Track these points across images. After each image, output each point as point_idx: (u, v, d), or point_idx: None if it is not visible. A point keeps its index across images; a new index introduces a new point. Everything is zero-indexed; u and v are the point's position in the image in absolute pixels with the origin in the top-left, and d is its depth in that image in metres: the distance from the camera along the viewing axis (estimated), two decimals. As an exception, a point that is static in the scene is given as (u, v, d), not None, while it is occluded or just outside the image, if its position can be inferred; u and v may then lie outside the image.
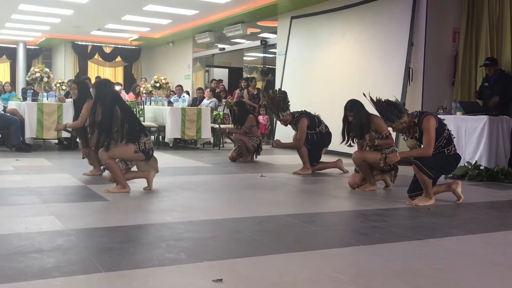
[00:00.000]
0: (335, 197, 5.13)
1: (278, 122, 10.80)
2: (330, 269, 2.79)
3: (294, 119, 6.76)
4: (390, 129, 5.11)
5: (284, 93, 6.81)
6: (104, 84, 5.09)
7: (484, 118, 6.77)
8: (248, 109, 8.27)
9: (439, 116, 4.79)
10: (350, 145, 5.63)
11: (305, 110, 6.87)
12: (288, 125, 6.94)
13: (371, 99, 4.70)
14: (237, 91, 12.68)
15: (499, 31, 7.63)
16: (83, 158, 6.18)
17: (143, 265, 2.74)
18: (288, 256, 3.01)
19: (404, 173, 6.96)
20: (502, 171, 6.39)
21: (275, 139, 7.66)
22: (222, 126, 9.20)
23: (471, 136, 6.88)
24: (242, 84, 12.34)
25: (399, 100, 4.91)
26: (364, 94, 4.85)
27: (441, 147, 4.61)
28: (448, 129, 4.69)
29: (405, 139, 4.82)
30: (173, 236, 3.35)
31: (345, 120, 5.57)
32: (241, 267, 2.79)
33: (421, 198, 4.73)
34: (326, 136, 6.84)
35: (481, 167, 6.50)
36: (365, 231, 3.73)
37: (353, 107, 5.47)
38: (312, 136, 6.73)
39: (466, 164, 6.58)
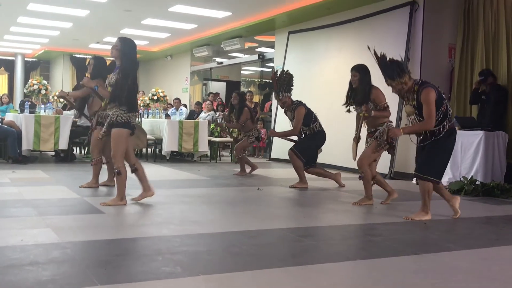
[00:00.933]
0: (332, 211, 5.13)
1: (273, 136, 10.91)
2: (327, 283, 2.78)
3: (293, 105, 6.66)
4: (388, 102, 5.03)
5: (291, 75, 6.71)
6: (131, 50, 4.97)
7: (480, 133, 6.81)
8: (245, 102, 8.21)
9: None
10: (348, 111, 5.53)
11: (305, 103, 6.79)
12: (285, 112, 6.83)
13: (375, 53, 4.60)
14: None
15: (495, 47, 7.69)
16: (91, 165, 6.12)
17: (138, 279, 2.73)
18: (284, 271, 3.00)
19: (403, 187, 6.97)
20: (498, 186, 6.41)
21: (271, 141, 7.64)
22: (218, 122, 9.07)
23: (467, 151, 6.91)
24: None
25: (404, 60, 4.76)
26: (368, 47, 4.69)
27: (437, 121, 4.50)
28: (446, 103, 4.56)
29: (404, 104, 4.72)
30: (169, 250, 3.34)
31: (351, 83, 5.50)
32: (238, 281, 2.78)
33: (417, 213, 4.73)
34: (320, 134, 6.71)
35: (477, 182, 6.52)
36: (362, 246, 3.73)
37: (360, 70, 5.40)
38: (305, 132, 6.67)
39: (462, 179, 6.60)
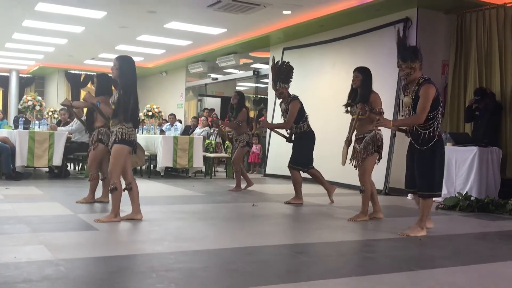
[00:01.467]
0: (327, 228, 5.12)
1: (270, 149, 10.92)
2: (322, 300, 2.77)
3: (289, 98, 6.64)
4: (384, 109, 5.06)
5: (291, 67, 6.70)
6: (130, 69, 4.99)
7: (474, 149, 6.84)
8: (244, 102, 8.18)
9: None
10: (347, 111, 5.54)
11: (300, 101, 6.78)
12: (280, 104, 6.83)
13: (398, 32, 4.70)
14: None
15: (488, 63, 7.77)
16: (89, 180, 6.11)
17: (133, 296, 2.71)
18: (280, 287, 2.98)
19: (398, 203, 6.98)
20: (493, 202, 6.42)
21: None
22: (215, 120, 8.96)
23: (461, 167, 6.94)
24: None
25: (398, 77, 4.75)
26: (394, 27, 4.77)
27: (428, 124, 4.52)
28: (440, 109, 4.59)
29: (403, 96, 4.75)
30: (163, 267, 3.32)
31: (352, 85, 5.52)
32: (232, 298, 2.76)
33: (413, 228, 4.72)
34: (308, 135, 6.68)
35: (472, 198, 6.53)
36: (357, 262, 3.72)
37: (362, 72, 5.43)
38: (293, 131, 6.66)
39: (457, 194, 6.61)
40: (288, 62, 6.79)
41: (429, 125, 4.53)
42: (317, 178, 6.85)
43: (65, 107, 8.05)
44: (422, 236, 4.63)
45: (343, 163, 5.43)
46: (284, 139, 6.96)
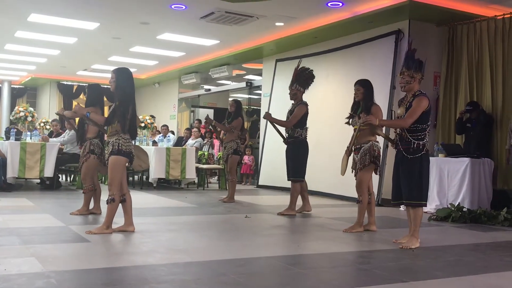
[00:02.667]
0: (320, 239, 5.10)
1: (263, 160, 10.91)
2: (315, 312, 2.75)
3: (298, 102, 6.65)
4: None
5: (312, 75, 6.75)
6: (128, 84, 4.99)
7: (466, 160, 6.87)
8: (241, 111, 8.18)
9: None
10: (347, 123, 5.58)
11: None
12: (289, 104, 6.85)
13: (410, 44, 4.87)
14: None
15: (479, 75, 7.83)
16: (83, 192, 6.07)
17: (124, 309, 2.68)
18: (272, 299, 2.97)
19: (387, 215, 6.98)
20: (485, 213, 6.43)
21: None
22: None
23: (453, 178, 6.96)
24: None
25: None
26: (409, 39, 4.85)
27: (418, 130, 4.60)
28: (429, 124, 4.72)
29: (399, 105, 4.82)
30: (155, 279, 3.29)
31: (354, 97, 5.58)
32: (225, 310, 2.74)
33: (409, 239, 4.72)
34: (303, 145, 6.69)
35: (464, 209, 6.54)
36: (350, 274, 3.70)
37: (364, 85, 5.50)
38: (289, 134, 6.67)
39: (449, 206, 6.62)
40: (311, 70, 6.83)
41: (420, 135, 4.62)
42: (303, 190, 6.85)
43: (57, 118, 8.00)
44: (416, 248, 4.62)
45: (343, 172, 5.44)
46: (282, 139, 6.94)
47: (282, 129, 6.96)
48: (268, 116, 6.92)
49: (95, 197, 6.10)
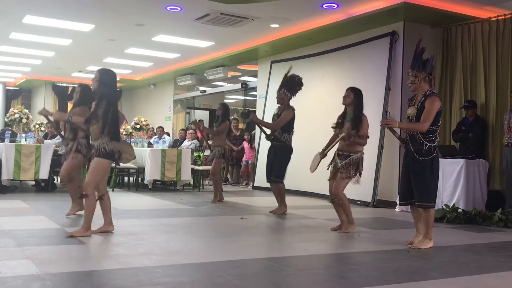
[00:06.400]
0: (315, 240, 5.11)
1: (258, 162, 10.91)
2: (311, 313, 2.75)
3: (285, 107, 6.73)
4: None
5: (300, 83, 6.83)
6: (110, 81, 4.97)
7: (461, 161, 6.89)
8: (228, 115, 8.17)
9: None
10: (333, 127, 5.59)
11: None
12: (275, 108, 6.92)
13: (418, 43, 4.82)
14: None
15: (473, 77, 7.86)
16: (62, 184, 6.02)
17: (120, 311, 2.68)
18: (268, 301, 2.97)
19: (386, 216, 7.00)
20: (480, 214, 6.45)
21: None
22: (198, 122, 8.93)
23: (448, 179, 6.98)
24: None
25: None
26: (420, 37, 4.93)
27: (428, 137, 4.63)
28: (440, 125, 4.75)
29: (409, 105, 4.85)
30: (151, 281, 3.29)
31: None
32: (221, 312, 2.74)
33: (421, 240, 4.75)
34: (288, 150, 6.78)
35: (459, 210, 6.56)
36: (345, 275, 3.71)
37: (355, 92, 5.49)
38: (275, 138, 6.73)
39: (444, 207, 6.64)
40: (300, 78, 6.91)
41: (432, 137, 4.67)
42: (280, 193, 6.88)
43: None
44: (430, 248, 4.67)
45: (313, 170, 5.51)
46: (265, 137, 7.01)
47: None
48: (254, 117, 6.98)
49: (73, 196, 6.03)
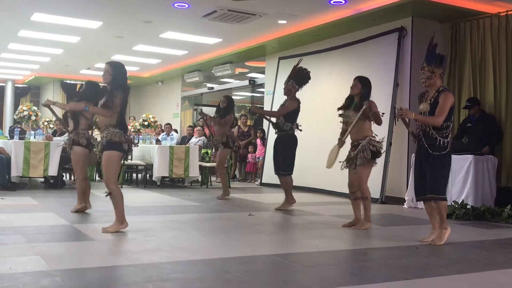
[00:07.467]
0: (324, 236, 5.11)
1: (266, 158, 10.90)
2: (319, 310, 2.76)
3: (291, 98, 6.77)
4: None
5: (308, 76, 6.88)
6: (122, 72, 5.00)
7: (469, 158, 6.85)
8: (232, 108, 8.19)
9: None
10: (340, 115, 5.63)
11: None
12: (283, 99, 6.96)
13: (432, 38, 4.82)
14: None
15: (482, 73, 7.80)
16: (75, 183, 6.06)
17: (129, 307, 2.69)
18: (276, 297, 2.98)
19: (394, 212, 6.98)
20: (489, 210, 6.43)
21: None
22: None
23: (457, 175, 6.94)
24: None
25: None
26: (433, 34, 4.92)
27: (442, 132, 4.66)
28: (452, 120, 4.79)
29: (421, 101, 4.84)
30: (159, 277, 3.30)
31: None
32: (229, 308, 2.75)
33: (437, 236, 4.75)
34: (292, 139, 6.80)
35: (468, 206, 6.53)
36: (354, 271, 3.71)
37: (362, 81, 5.52)
38: (278, 126, 6.76)
39: (453, 203, 6.61)
40: (309, 71, 6.94)
41: (445, 133, 4.69)
42: (289, 186, 6.89)
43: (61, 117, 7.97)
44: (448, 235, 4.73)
45: (330, 165, 5.40)
46: (272, 126, 7.04)
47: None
48: (255, 109, 6.98)
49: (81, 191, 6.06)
